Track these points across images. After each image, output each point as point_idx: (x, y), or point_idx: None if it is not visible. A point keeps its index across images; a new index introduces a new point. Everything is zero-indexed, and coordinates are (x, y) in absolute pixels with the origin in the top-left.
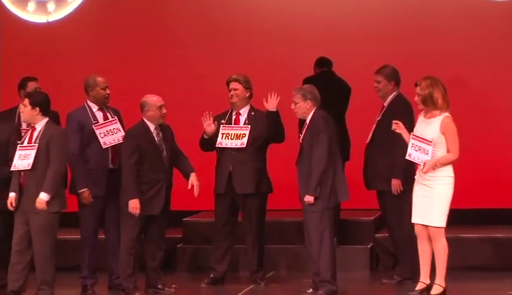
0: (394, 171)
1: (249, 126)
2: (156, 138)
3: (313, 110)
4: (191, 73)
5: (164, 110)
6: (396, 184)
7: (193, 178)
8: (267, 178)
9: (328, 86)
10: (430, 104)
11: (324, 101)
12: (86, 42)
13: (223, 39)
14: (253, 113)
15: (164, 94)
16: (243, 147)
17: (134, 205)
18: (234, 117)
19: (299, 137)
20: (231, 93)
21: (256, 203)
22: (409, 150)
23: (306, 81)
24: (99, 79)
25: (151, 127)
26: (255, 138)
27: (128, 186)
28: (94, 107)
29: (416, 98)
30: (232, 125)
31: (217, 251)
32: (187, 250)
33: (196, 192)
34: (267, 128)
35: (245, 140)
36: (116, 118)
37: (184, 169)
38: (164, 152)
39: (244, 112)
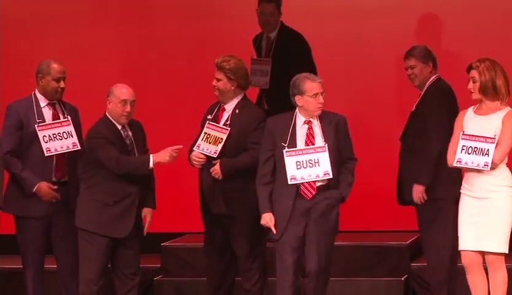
0: (420, 173)
1: (229, 129)
2: (125, 139)
3: None
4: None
5: (128, 108)
6: (418, 191)
7: (146, 212)
8: (242, 197)
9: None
10: (491, 94)
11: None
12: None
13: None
14: (237, 111)
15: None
16: (214, 157)
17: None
18: (219, 113)
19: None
20: (213, 83)
21: (241, 227)
22: (458, 154)
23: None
24: (56, 66)
25: (119, 126)
26: (233, 146)
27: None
28: (43, 102)
29: (470, 86)
30: (216, 124)
31: (209, 284)
32: (167, 284)
33: (145, 229)
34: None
35: (219, 147)
36: (69, 118)
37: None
38: None
39: (229, 107)
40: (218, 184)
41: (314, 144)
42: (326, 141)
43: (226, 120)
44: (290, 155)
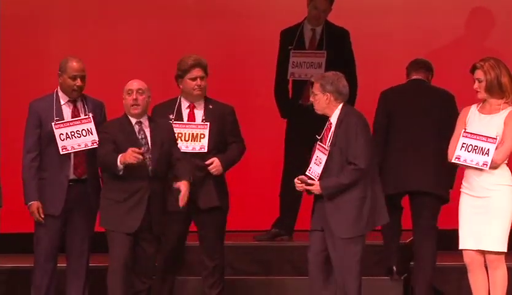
0: None
1: (208, 123)
2: (137, 134)
3: (339, 107)
4: None
5: (133, 96)
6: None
7: (183, 184)
8: (227, 191)
9: None
10: (496, 92)
11: None
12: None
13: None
14: (211, 106)
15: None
16: (204, 152)
17: None
18: (187, 111)
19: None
20: (197, 83)
21: (220, 220)
22: (458, 151)
23: None
24: (73, 64)
25: (133, 121)
26: (217, 140)
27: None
28: (63, 99)
29: (476, 86)
30: (186, 122)
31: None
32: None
33: (181, 201)
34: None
35: (205, 142)
36: (90, 116)
37: (177, 173)
38: (148, 153)
39: (200, 105)
40: (210, 178)
41: (326, 143)
42: (332, 143)
43: (203, 117)
44: (317, 149)
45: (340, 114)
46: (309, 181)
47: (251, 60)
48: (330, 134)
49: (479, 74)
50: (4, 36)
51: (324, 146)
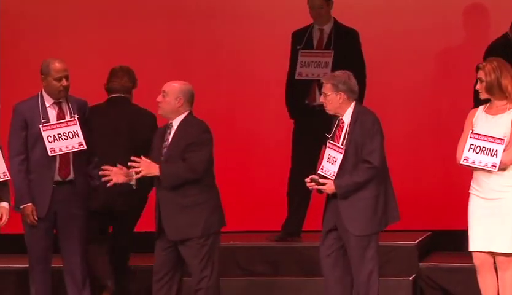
0: None
1: None
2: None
3: (351, 105)
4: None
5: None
6: None
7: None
8: None
9: None
10: (497, 93)
11: None
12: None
13: None
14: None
15: None
16: None
17: None
18: None
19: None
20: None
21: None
22: (466, 153)
23: None
24: (55, 66)
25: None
26: None
27: None
28: (48, 101)
29: (478, 86)
30: None
31: None
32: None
33: None
34: None
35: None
36: (76, 118)
37: None
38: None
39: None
40: None
41: (339, 142)
42: (347, 142)
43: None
44: (328, 147)
45: (353, 112)
46: (321, 180)
47: (260, 61)
48: (344, 132)
49: (480, 74)
50: (4, 36)
51: (338, 145)
